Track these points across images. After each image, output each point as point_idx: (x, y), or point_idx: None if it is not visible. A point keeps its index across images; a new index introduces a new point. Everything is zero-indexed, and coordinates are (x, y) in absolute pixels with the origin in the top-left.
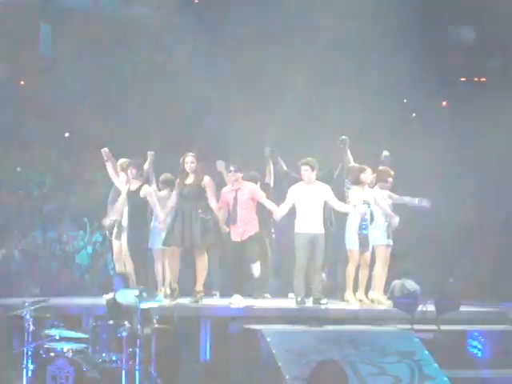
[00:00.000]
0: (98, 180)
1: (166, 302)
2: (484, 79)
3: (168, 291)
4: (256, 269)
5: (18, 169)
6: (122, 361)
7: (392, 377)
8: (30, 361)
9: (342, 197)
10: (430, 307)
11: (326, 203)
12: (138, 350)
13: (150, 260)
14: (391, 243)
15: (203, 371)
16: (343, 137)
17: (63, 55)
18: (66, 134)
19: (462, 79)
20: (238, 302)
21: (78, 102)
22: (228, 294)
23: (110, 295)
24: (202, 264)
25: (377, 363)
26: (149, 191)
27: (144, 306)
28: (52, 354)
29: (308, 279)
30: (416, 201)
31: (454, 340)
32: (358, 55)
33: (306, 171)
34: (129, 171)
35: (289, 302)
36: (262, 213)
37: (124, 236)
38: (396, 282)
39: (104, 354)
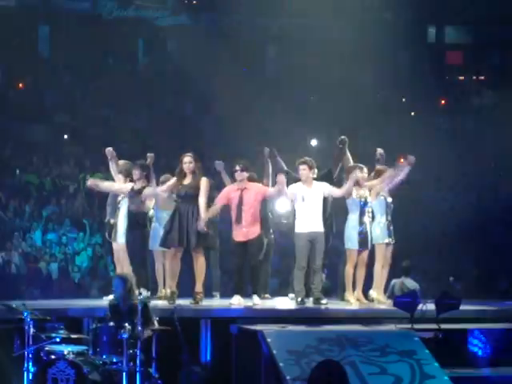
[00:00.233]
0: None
1: (166, 304)
2: (482, 78)
3: (168, 293)
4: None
5: (17, 171)
6: (122, 363)
7: (393, 376)
8: (30, 363)
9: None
10: (430, 306)
11: (326, 203)
12: (138, 352)
13: (150, 261)
14: (392, 241)
15: (204, 372)
16: (342, 137)
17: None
18: (65, 136)
19: (461, 78)
20: (238, 302)
21: (77, 103)
22: (228, 295)
23: (111, 297)
24: (200, 265)
25: (377, 363)
26: (154, 192)
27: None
28: (53, 357)
29: (308, 279)
30: (398, 169)
31: (454, 339)
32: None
33: (303, 170)
34: (133, 172)
35: (289, 303)
36: (261, 214)
37: (121, 237)
38: (395, 281)
39: (105, 356)
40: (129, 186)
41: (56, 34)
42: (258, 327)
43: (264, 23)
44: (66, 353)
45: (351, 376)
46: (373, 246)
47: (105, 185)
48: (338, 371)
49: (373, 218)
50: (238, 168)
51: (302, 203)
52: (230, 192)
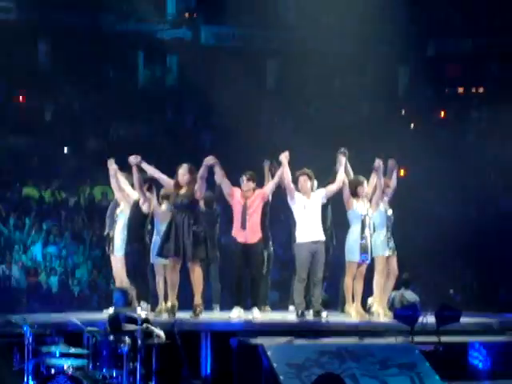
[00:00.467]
0: (97, 194)
1: (166, 318)
2: (482, 90)
3: (169, 306)
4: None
5: (17, 184)
6: (122, 377)
7: None
8: (30, 377)
9: (342, 208)
10: (431, 319)
11: (326, 212)
12: (138, 366)
13: (150, 274)
14: (392, 254)
15: None
16: (342, 149)
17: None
18: (65, 150)
19: (460, 90)
20: (237, 315)
21: (76, 116)
22: (228, 307)
23: (111, 310)
24: (197, 277)
25: (378, 376)
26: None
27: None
28: (52, 371)
29: (308, 292)
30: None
31: (455, 352)
32: (355, 67)
33: (304, 182)
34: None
35: (289, 316)
36: (262, 225)
37: (118, 251)
38: (395, 294)
39: (104, 370)
40: (135, 196)
41: (56, 47)
42: (259, 340)
43: (265, 36)
44: (65, 367)
45: None
46: (372, 259)
47: (115, 178)
48: None
49: (374, 230)
50: (244, 178)
51: (303, 212)
52: (236, 194)
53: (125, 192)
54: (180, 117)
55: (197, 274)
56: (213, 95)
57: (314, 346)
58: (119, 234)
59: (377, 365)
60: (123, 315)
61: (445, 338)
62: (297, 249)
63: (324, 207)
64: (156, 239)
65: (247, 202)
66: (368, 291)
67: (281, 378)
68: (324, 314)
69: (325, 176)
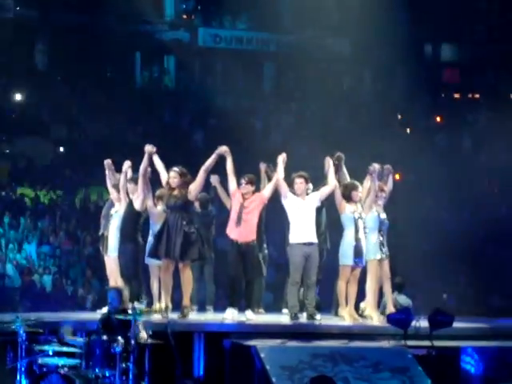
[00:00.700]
0: (92, 195)
1: (160, 318)
2: (478, 96)
3: (163, 307)
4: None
5: (13, 184)
6: (115, 376)
7: None
8: (23, 376)
9: (337, 211)
10: (424, 323)
11: (321, 216)
12: (131, 366)
13: (144, 275)
14: (384, 257)
15: None
16: (338, 153)
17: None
18: (61, 149)
19: (456, 95)
20: (231, 317)
21: (73, 116)
22: (222, 309)
23: (104, 310)
24: (187, 278)
25: (370, 379)
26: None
27: (137, 321)
28: (45, 370)
29: (301, 294)
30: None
31: (447, 356)
32: (352, 71)
33: (301, 184)
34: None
35: (283, 318)
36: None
37: (112, 251)
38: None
39: (97, 370)
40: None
41: (53, 46)
42: (252, 342)
43: (262, 38)
44: (58, 366)
45: None
46: (365, 262)
47: (112, 179)
48: None
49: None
50: (243, 181)
51: (297, 214)
52: (237, 193)
53: (122, 192)
54: (177, 118)
55: (186, 275)
56: (210, 97)
57: (307, 348)
58: (113, 234)
59: (369, 368)
60: (115, 318)
61: (437, 343)
62: (290, 251)
63: (318, 211)
64: (151, 240)
65: (245, 203)
66: (361, 295)
67: (273, 379)
68: (318, 317)
69: (320, 180)
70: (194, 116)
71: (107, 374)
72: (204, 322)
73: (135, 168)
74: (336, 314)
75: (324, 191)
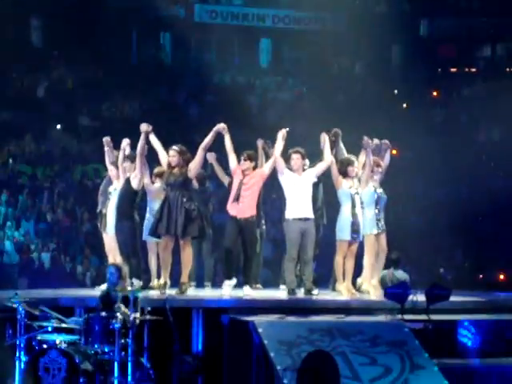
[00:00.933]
0: (89, 171)
1: (158, 294)
2: (474, 70)
3: (161, 283)
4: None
5: (11, 161)
6: (114, 352)
7: (383, 366)
8: (22, 352)
9: (333, 187)
10: (421, 297)
11: (317, 192)
12: (130, 342)
13: (142, 251)
14: (381, 232)
15: (195, 362)
16: (335, 129)
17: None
18: (58, 126)
19: (453, 70)
20: (228, 290)
21: (69, 93)
22: (220, 285)
23: (103, 287)
24: (187, 255)
25: (367, 353)
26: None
27: (136, 297)
28: (44, 346)
29: (298, 270)
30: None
31: (444, 329)
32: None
33: (297, 159)
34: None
35: (280, 293)
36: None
37: (111, 228)
38: (385, 272)
39: (96, 346)
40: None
41: (49, 23)
42: (249, 318)
43: (258, 14)
44: (57, 342)
45: (341, 366)
46: (362, 237)
47: (110, 156)
48: (329, 362)
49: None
50: (242, 158)
51: (293, 190)
52: (236, 171)
53: (121, 169)
54: (173, 94)
55: (187, 252)
56: (206, 72)
57: (305, 323)
58: (112, 212)
59: (367, 342)
60: (115, 294)
61: (434, 317)
62: (287, 227)
63: (315, 186)
64: (148, 217)
65: (244, 179)
66: (358, 270)
67: (271, 354)
68: (315, 292)
69: (317, 156)
70: (191, 92)
71: (106, 350)
72: (202, 298)
73: (132, 145)
74: (333, 289)
75: (320, 167)
